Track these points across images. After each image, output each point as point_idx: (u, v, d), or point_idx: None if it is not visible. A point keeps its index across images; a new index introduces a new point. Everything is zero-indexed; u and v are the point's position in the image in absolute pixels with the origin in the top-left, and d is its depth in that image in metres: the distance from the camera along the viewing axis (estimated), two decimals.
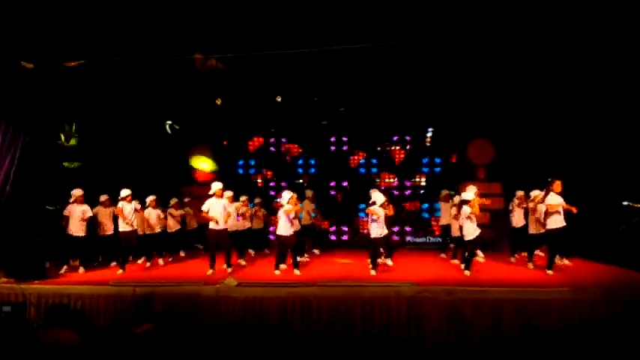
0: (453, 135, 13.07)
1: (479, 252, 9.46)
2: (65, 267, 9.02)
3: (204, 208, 8.85)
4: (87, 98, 10.36)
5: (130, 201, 9.13)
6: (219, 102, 12.20)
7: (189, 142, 13.35)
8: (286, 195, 8.71)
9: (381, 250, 9.09)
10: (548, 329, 6.46)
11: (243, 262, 9.55)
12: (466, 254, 8.58)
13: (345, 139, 14.04)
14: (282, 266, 8.83)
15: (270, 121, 13.80)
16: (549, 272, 8.21)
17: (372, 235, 8.72)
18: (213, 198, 8.84)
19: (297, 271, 8.60)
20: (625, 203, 8.90)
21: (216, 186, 8.90)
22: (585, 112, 10.13)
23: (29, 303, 7.28)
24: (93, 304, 7.29)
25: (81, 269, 8.99)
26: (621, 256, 8.90)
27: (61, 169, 10.06)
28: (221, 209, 8.80)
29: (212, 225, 8.84)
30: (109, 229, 9.72)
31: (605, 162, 9.74)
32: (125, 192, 9.12)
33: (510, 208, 10.12)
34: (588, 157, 10.21)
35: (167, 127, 13.76)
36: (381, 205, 8.67)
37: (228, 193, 9.44)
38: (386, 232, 8.81)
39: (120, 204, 9.07)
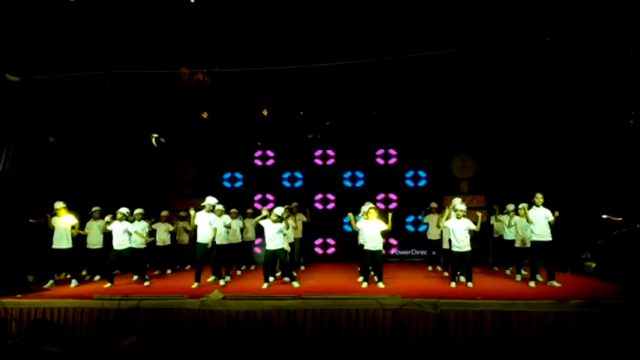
0: (436, 149, 13.24)
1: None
2: (51, 281, 8.86)
3: (194, 220, 8.86)
4: (74, 111, 10.35)
5: (121, 219, 8.93)
6: (205, 115, 12.23)
7: (176, 155, 13.33)
8: (277, 210, 8.66)
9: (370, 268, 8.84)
10: (530, 341, 6.56)
11: (228, 278, 9.49)
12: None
13: (330, 152, 14.06)
14: (271, 279, 8.82)
15: (256, 135, 13.83)
16: (532, 284, 8.36)
17: (365, 247, 8.59)
18: (203, 211, 8.83)
19: (294, 284, 8.62)
20: (604, 217, 9.09)
21: (209, 200, 8.91)
22: (566, 128, 10.41)
23: (10, 318, 7.17)
24: (77, 318, 7.23)
25: (74, 282, 8.88)
26: (600, 268, 9.10)
27: (46, 181, 9.95)
28: (208, 223, 8.80)
29: (200, 238, 8.83)
30: (98, 243, 9.61)
31: (585, 176, 10.00)
32: (122, 210, 9.01)
33: (496, 220, 10.31)
34: (568, 171, 10.47)
35: (153, 140, 13.70)
36: (365, 215, 8.56)
37: (219, 207, 9.37)
38: (377, 247, 8.41)
39: (111, 224, 8.94)
